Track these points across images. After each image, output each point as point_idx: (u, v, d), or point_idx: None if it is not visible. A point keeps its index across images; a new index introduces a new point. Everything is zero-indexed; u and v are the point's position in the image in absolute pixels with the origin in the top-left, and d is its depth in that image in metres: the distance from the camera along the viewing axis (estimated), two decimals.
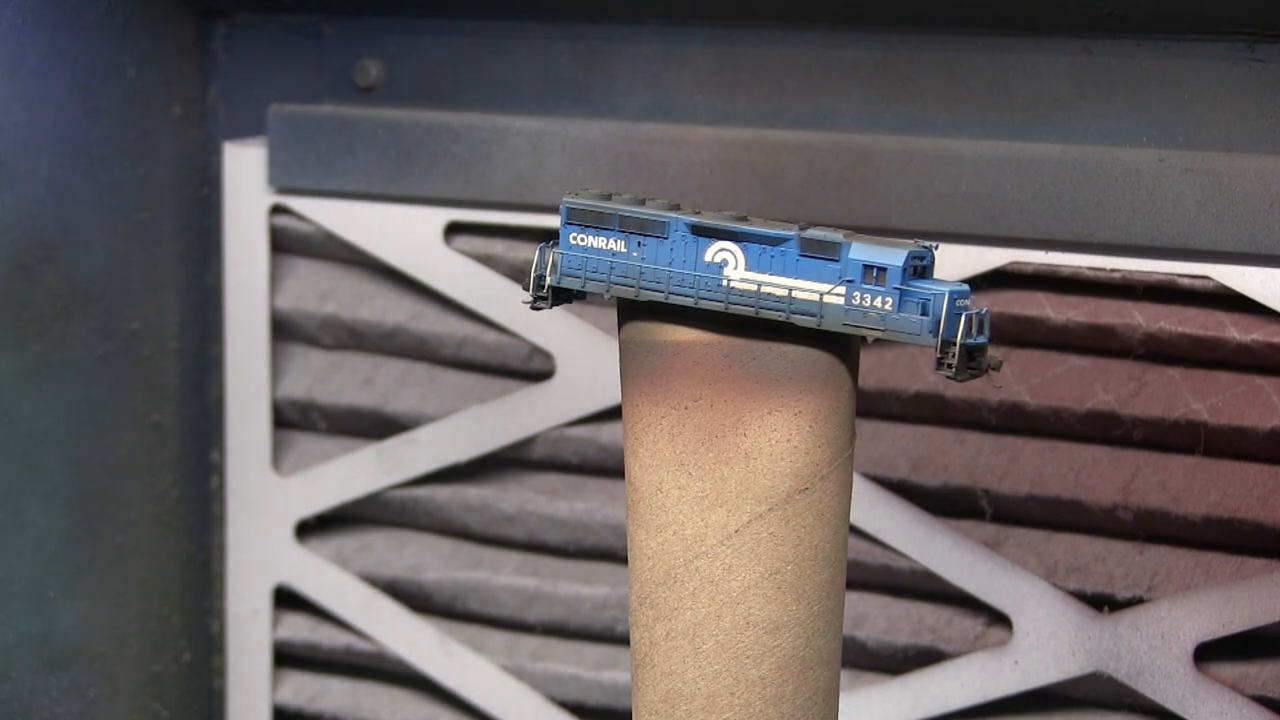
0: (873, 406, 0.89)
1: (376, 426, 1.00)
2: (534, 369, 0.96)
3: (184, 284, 1.02)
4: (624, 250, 0.63)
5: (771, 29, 0.90)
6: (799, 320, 0.60)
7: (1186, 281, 0.82)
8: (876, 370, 0.88)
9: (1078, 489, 0.85)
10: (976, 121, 0.87)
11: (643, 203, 0.63)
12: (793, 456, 0.61)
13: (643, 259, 0.62)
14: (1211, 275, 0.81)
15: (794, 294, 0.60)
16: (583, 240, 0.63)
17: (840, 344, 0.61)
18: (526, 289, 0.65)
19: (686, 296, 0.61)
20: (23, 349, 0.94)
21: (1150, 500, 0.84)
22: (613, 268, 0.63)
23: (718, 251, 0.61)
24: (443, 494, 0.98)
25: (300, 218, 0.99)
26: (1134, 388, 0.84)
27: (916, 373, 0.87)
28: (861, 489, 0.88)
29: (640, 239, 0.62)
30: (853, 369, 0.62)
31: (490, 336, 0.96)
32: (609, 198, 0.63)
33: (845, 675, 0.92)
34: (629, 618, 0.64)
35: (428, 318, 0.98)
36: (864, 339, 0.61)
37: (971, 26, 0.86)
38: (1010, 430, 0.87)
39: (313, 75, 1.00)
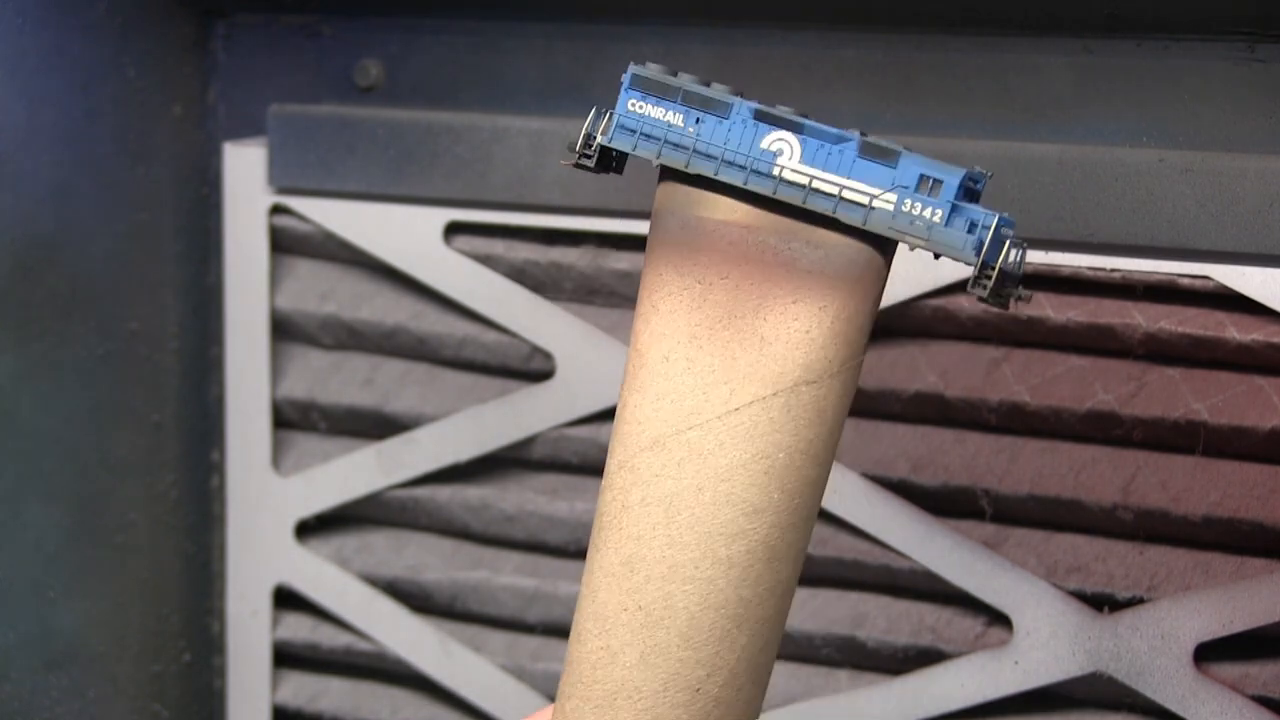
0: (873, 406, 0.89)
1: (376, 426, 1.00)
2: (534, 369, 0.96)
3: (184, 284, 1.02)
4: (680, 125, 0.63)
5: (771, 29, 0.90)
6: (844, 216, 0.60)
7: (1186, 281, 0.82)
8: (876, 370, 0.88)
9: (1078, 489, 0.85)
10: (976, 121, 0.87)
11: (708, 84, 0.64)
12: (808, 348, 0.61)
13: (697, 134, 0.63)
14: (1211, 275, 0.81)
15: (844, 193, 0.61)
16: (641, 108, 0.64)
17: (879, 248, 0.62)
18: (571, 149, 0.65)
19: (737, 176, 0.62)
20: (23, 349, 0.94)
21: (1150, 500, 0.84)
22: (667, 136, 0.63)
23: (775, 140, 0.62)
24: (443, 494, 0.98)
25: (300, 218, 0.99)
26: (1134, 388, 0.84)
27: (917, 373, 0.87)
28: (861, 489, 0.88)
29: (699, 115, 0.63)
30: (884, 279, 0.62)
31: (490, 336, 0.96)
32: (675, 74, 0.64)
33: (845, 675, 0.92)
34: (603, 483, 0.64)
35: (428, 318, 0.98)
36: (909, 248, 0.61)
37: (971, 26, 0.86)
38: (1010, 430, 0.87)
39: (313, 75, 1.00)
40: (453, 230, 0.96)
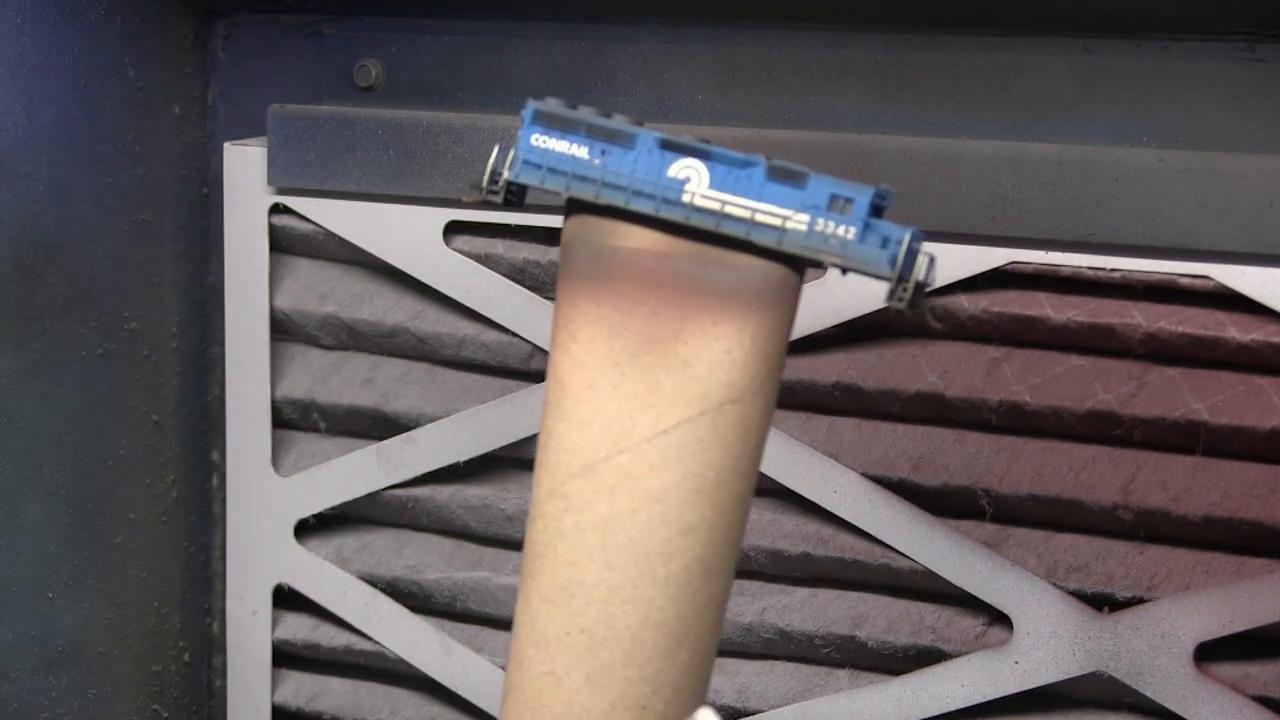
0: (873, 406, 0.89)
1: (376, 426, 1.00)
2: (534, 369, 0.96)
3: (184, 284, 1.02)
4: (585, 157, 0.64)
5: (771, 29, 0.90)
6: (758, 239, 0.61)
7: (1186, 281, 0.82)
8: (877, 370, 0.88)
9: (1078, 489, 0.85)
10: (976, 121, 0.87)
11: (609, 115, 0.64)
12: (730, 368, 0.62)
13: (604, 166, 0.63)
14: (1211, 275, 0.81)
15: (757, 217, 0.61)
16: (544, 143, 0.65)
17: (792, 267, 0.63)
18: (477, 186, 0.66)
19: (647, 205, 0.62)
20: (23, 349, 0.94)
21: (1150, 500, 0.84)
22: (574, 169, 0.64)
23: (682, 168, 0.63)
24: (443, 494, 0.98)
25: (300, 217, 0.99)
26: (1134, 388, 0.84)
27: (917, 372, 0.87)
28: (862, 489, 0.88)
29: (604, 147, 0.64)
30: (798, 295, 0.64)
31: (490, 336, 0.96)
32: (575, 108, 0.65)
33: (845, 675, 0.92)
34: (531, 512, 0.65)
35: (428, 318, 0.98)
36: (821, 267, 0.63)
37: (971, 26, 0.86)
38: (1010, 430, 0.87)
39: (313, 75, 1.00)
40: (453, 230, 0.96)
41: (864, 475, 0.88)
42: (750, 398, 0.62)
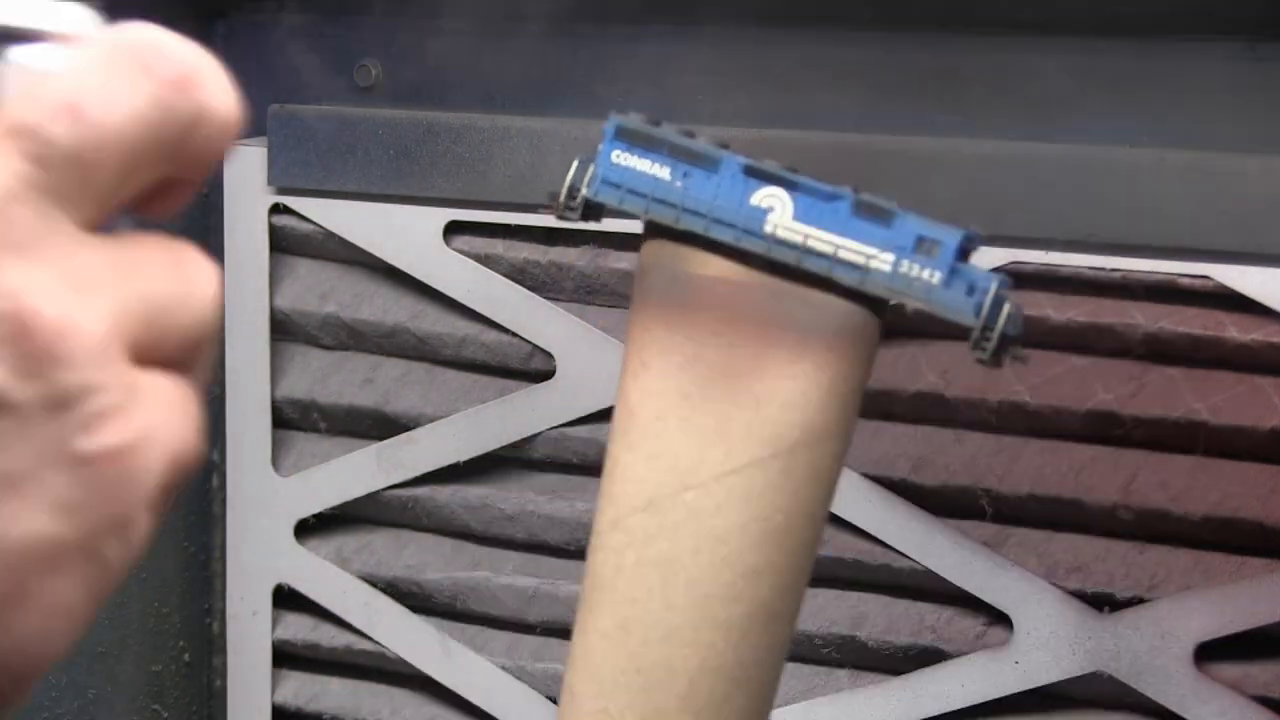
0: (873, 406, 0.89)
1: (376, 426, 1.00)
2: (534, 369, 0.96)
3: None
4: (667, 178, 0.62)
5: (771, 29, 0.90)
6: (841, 276, 0.59)
7: (1186, 281, 0.82)
8: (876, 370, 0.88)
9: (1078, 489, 0.85)
10: (976, 121, 0.87)
11: (692, 135, 0.62)
12: (805, 409, 0.60)
13: (685, 189, 0.61)
14: (1211, 275, 0.81)
15: (840, 253, 0.59)
16: (625, 160, 0.62)
17: (875, 310, 0.61)
18: (555, 199, 0.64)
19: (728, 234, 0.60)
20: None
21: (1150, 500, 0.84)
22: (654, 192, 0.62)
23: (766, 196, 0.60)
24: (443, 494, 0.98)
25: (300, 217, 0.99)
26: (1134, 388, 0.84)
27: (917, 372, 0.87)
28: (861, 489, 0.88)
29: (686, 169, 0.61)
30: (878, 338, 0.61)
31: (490, 336, 0.96)
32: (658, 124, 0.63)
33: (845, 675, 0.92)
34: (592, 541, 0.63)
35: (428, 318, 0.98)
36: (902, 307, 0.60)
37: (971, 26, 0.86)
38: (1010, 430, 0.87)
39: (313, 75, 1.00)
40: (452, 230, 0.96)
41: (864, 475, 0.88)
42: (824, 442, 0.60)
